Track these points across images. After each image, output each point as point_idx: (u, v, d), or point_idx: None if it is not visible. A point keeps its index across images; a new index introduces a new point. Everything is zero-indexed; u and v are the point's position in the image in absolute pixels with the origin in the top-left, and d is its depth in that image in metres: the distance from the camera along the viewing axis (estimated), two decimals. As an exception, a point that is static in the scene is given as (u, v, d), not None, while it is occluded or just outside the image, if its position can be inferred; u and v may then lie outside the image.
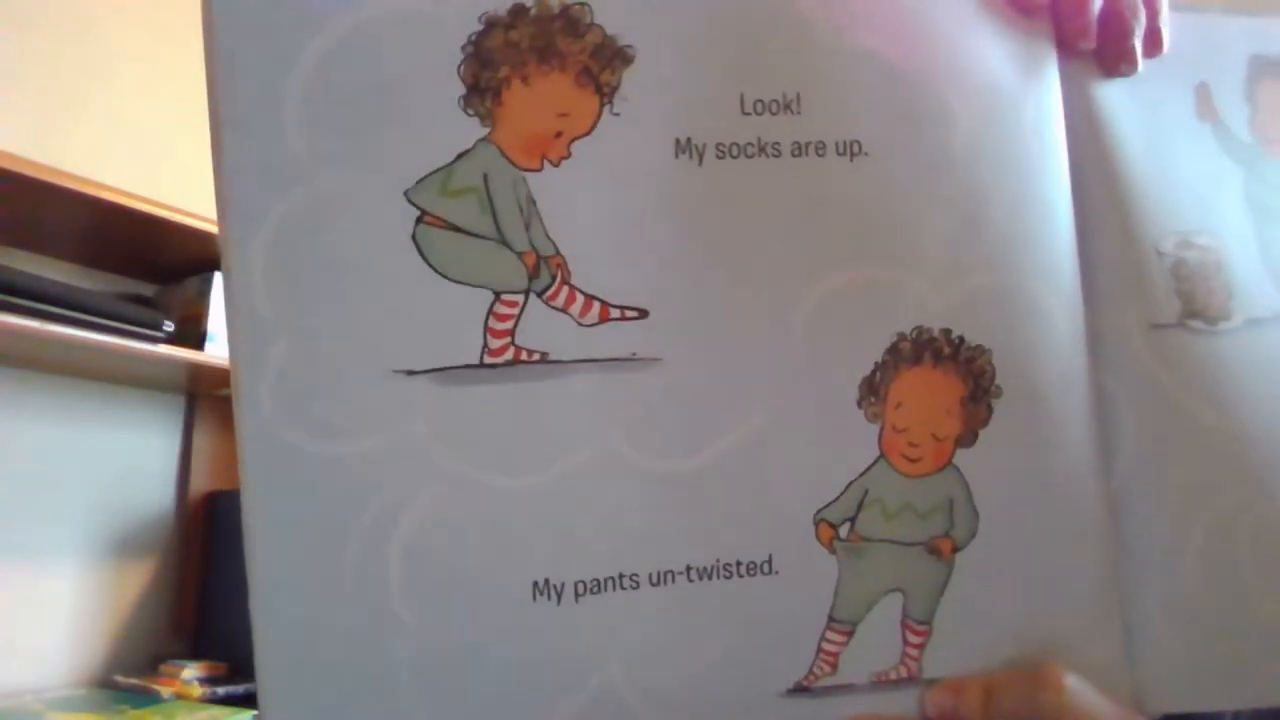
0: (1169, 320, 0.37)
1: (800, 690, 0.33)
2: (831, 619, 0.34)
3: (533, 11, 0.32)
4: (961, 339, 0.35)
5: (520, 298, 0.32)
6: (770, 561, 0.33)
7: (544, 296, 0.32)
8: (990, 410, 0.35)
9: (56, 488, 1.39)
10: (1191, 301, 0.38)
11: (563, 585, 0.32)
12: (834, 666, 0.34)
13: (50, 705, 1.23)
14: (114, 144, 1.45)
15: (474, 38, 0.32)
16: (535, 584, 0.32)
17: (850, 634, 0.34)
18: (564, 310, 0.32)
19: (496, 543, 0.31)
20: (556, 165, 0.32)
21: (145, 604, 1.48)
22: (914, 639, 0.34)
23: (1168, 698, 0.35)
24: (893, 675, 0.34)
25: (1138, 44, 0.38)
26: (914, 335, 0.35)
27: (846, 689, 0.34)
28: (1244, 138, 0.41)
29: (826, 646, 0.34)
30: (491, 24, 0.32)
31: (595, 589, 0.32)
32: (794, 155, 0.34)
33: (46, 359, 1.32)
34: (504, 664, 0.31)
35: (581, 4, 0.33)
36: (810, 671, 0.34)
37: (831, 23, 0.35)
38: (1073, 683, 0.33)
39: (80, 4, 1.44)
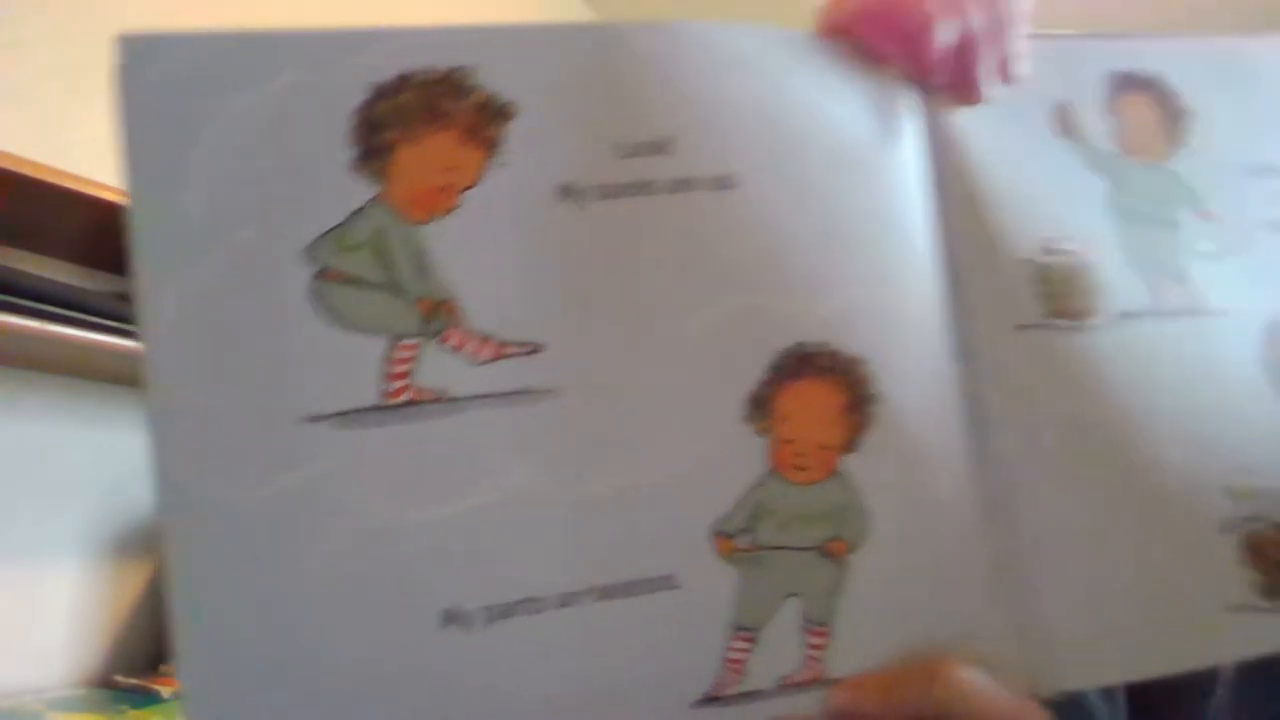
0: (1032, 320, 0.40)
1: (711, 700, 0.35)
2: (735, 627, 0.35)
3: (417, 78, 0.35)
4: (839, 352, 0.37)
5: (417, 341, 0.34)
6: (672, 577, 0.35)
7: (439, 339, 0.34)
8: (870, 417, 0.37)
9: (56, 488, 1.40)
10: (1055, 301, 0.40)
11: (472, 612, 0.33)
12: (742, 674, 0.35)
13: (50, 705, 1.23)
14: (114, 144, 1.44)
15: (363, 105, 0.34)
16: (445, 612, 0.33)
17: (754, 641, 0.35)
18: (459, 350, 0.34)
19: (406, 575, 0.33)
20: (446, 215, 0.35)
21: (145, 604, 1.49)
22: (815, 640, 0.36)
23: (1065, 677, 0.37)
24: (799, 678, 0.35)
25: (989, 75, 0.41)
26: (794, 351, 0.37)
27: (756, 695, 0.35)
28: (1107, 149, 0.43)
29: (732, 655, 0.35)
30: (379, 91, 0.34)
31: (504, 614, 0.33)
32: (669, 193, 0.36)
33: (46, 359, 1.33)
34: (421, 693, 0.33)
35: (463, 68, 0.35)
36: (719, 681, 0.35)
37: (698, 71, 0.37)
38: (965, 675, 0.35)
39: (80, 4, 1.44)
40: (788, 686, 0.35)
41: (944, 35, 0.39)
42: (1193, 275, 0.42)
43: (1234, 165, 0.45)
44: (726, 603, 0.35)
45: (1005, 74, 0.41)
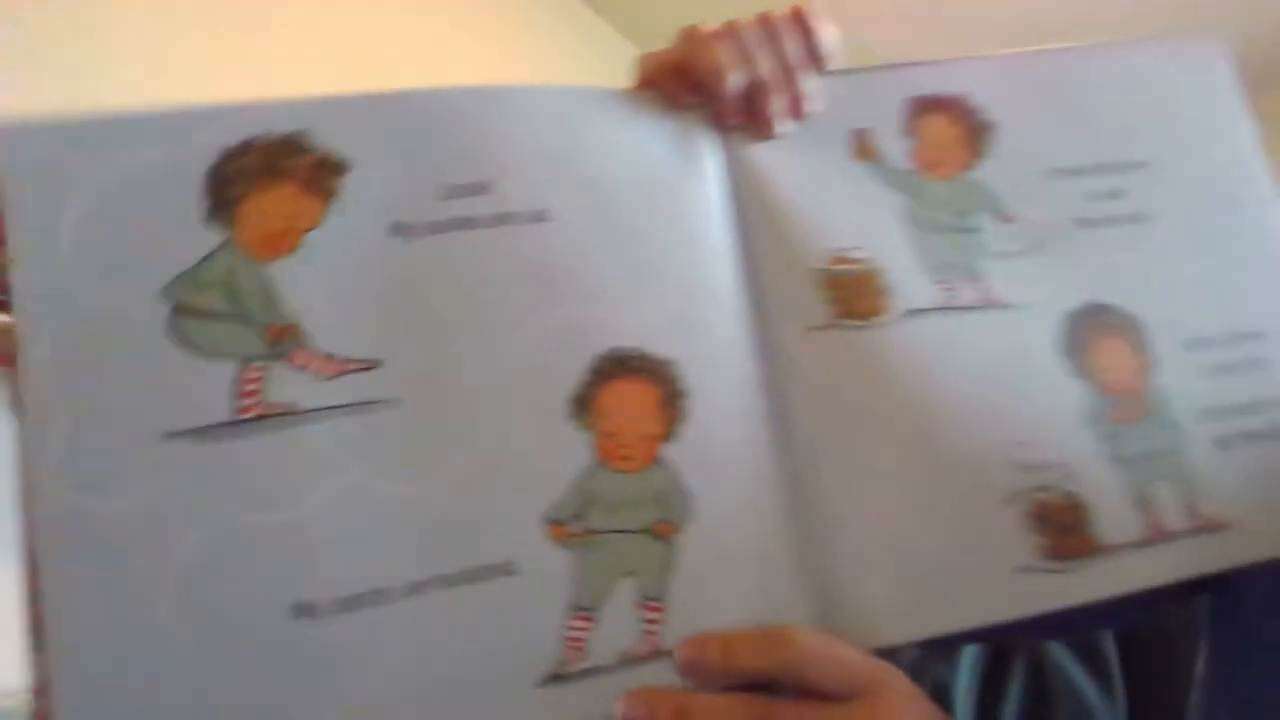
0: (822, 322, 0.44)
1: (555, 679, 0.38)
2: (574, 608, 0.38)
3: (259, 142, 0.40)
4: (649, 354, 0.42)
5: (265, 363, 0.38)
6: (510, 563, 0.38)
7: (286, 360, 0.39)
8: (683, 410, 0.41)
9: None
10: (843, 304, 0.45)
11: (321, 604, 0.36)
12: (583, 652, 0.38)
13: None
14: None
15: (213, 167, 0.40)
16: (296, 605, 0.36)
17: (593, 619, 0.38)
18: (305, 369, 0.39)
19: (258, 574, 0.36)
20: (291, 254, 0.40)
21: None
22: (651, 615, 0.39)
23: (867, 635, 0.40)
24: (638, 652, 0.38)
25: (780, 114, 0.46)
26: (610, 355, 0.41)
27: (598, 671, 0.38)
28: (904, 167, 0.48)
29: (572, 634, 0.38)
30: (227, 155, 0.40)
31: (352, 606, 0.37)
32: (491, 226, 0.42)
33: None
34: (276, 683, 0.36)
35: (300, 132, 0.41)
36: (562, 659, 0.38)
37: (511, 125, 0.43)
38: (809, 637, 0.38)
39: (81, 4, 1.45)
40: (628, 660, 0.38)
41: (734, 83, 0.45)
42: (991, 273, 0.47)
43: (1040, 170, 0.49)
44: (563, 585, 0.38)
45: (797, 112, 0.47)
